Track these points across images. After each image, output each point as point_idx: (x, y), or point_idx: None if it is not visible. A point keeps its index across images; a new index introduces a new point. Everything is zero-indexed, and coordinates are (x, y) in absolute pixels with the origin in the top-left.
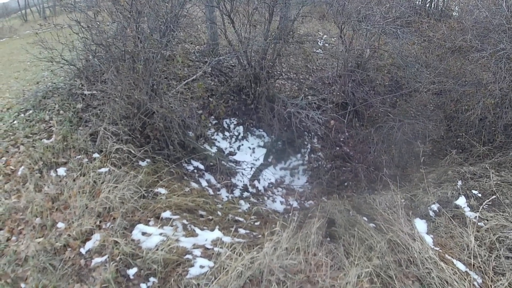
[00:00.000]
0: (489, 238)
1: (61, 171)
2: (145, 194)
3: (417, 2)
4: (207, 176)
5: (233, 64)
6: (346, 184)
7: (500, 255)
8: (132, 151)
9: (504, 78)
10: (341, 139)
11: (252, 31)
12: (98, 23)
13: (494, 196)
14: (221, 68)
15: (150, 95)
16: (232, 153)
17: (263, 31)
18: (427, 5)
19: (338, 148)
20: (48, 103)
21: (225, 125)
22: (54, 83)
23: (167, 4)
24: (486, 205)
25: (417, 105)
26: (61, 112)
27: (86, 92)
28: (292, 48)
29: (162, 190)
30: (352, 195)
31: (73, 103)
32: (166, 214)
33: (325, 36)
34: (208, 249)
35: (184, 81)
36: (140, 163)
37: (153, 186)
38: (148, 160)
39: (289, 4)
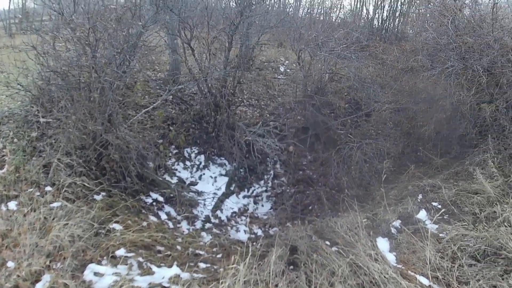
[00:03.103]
0: (450, 249)
1: (12, 205)
2: (99, 231)
3: (375, 26)
4: (167, 208)
5: (194, 92)
6: (310, 208)
7: (462, 264)
8: (87, 185)
9: (454, 93)
10: (304, 163)
11: (212, 59)
12: (55, 49)
13: (450, 207)
14: (182, 96)
15: (106, 125)
16: (193, 183)
17: (223, 59)
18: (383, 31)
19: (301, 172)
20: (3, 129)
21: (186, 155)
22: (10, 109)
23: (124, 33)
24: (447, 216)
25: (377, 124)
26: (15, 140)
27: (41, 120)
28: (254, 75)
29: (117, 226)
30: (315, 219)
31: (28, 131)
32: (121, 252)
33: (287, 61)
34: (165, 287)
35: (144, 109)
36: (95, 197)
37: (107, 221)
38: (104, 193)
39: (248, 33)
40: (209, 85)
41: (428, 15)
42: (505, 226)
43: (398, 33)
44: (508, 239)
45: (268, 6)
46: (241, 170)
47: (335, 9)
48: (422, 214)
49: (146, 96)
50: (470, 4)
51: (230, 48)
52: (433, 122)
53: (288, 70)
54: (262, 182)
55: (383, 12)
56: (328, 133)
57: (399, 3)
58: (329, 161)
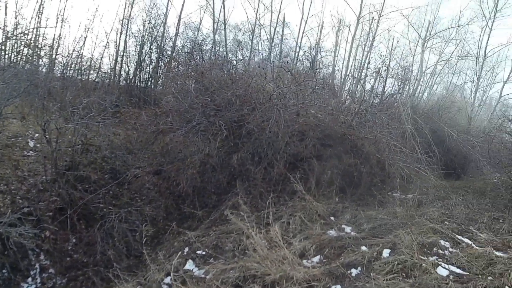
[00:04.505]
0: (214, 285)
1: None
2: None
3: (136, 87)
4: None
5: None
6: None
7: None
8: None
9: (202, 149)
10: (69, 247)
11: None
12: None
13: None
14: None
15: None
16: None
17: None
18: (142, 93)
19: (68, 258)
20: None
21: None
22: None
23: None
24: (211, 259)
25: (140, 189)
26: None
27: None
28: None
29: None
30: None
31: None
32: None
33: (36, 135)
34: None
35: None
36: None
37: None
38: None
39: None
40: None
41: (175, 77)
42: (255, 252)
43: (156, 95)
44: (256, 262)
45: (19, 67)
46: (3, 271)
47: (92, 71)
48: (189, 265)
49: None
50: (218, 66)
51: None
52: (188, 179)
53: (38, 145)
54: (30, 279)
55: (141, 74)
56: (87, 209)
57: (159, 66)
58: (94, 238)
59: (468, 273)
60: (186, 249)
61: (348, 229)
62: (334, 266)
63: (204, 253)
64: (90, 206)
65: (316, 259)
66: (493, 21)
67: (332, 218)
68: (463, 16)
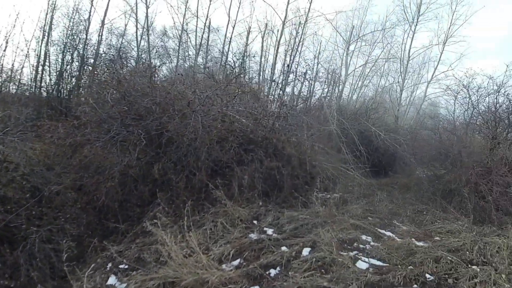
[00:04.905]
0: None
1: None
2: None
3: (55, 103)
4: None
5: None
6: None
7: None
8: None
9: (121, 160)
10: None
11: None
12: None
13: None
14: None
15: None
16: None
17: None
18: (64, 104)
19: None
20: None
21: None
22: None
23: None
24: (134, 272)
25: (63, 207)
26: None
27: None
28: None
29: None
30: None
31: None
32: None
33: None
34: None
35: None
36: None
37: None
38: None
39: None
40: None
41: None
42: (173, 260)
43: (76, 106)
44: (174, 270)
45: None
46: None
47: (11, 83)
48: (111, 280)
49: None
50: (139, 73)
51: None
52: (109, 192)
53: None
54: None
55: (63, 84)
56: (9, 231)
57: (81, 75)
58: (18, 261)
59: (388, 265)
60: (109, 264)
61: (270, 231)
62: (252, 268)
63: (126, 266)
64: (12, 228)
65: (235, 262)
66: (416, 24)
67: (255, 221)
68: (389, 20)
